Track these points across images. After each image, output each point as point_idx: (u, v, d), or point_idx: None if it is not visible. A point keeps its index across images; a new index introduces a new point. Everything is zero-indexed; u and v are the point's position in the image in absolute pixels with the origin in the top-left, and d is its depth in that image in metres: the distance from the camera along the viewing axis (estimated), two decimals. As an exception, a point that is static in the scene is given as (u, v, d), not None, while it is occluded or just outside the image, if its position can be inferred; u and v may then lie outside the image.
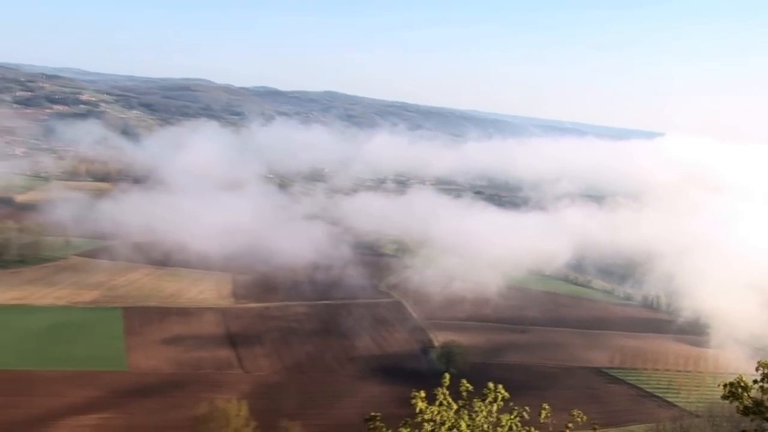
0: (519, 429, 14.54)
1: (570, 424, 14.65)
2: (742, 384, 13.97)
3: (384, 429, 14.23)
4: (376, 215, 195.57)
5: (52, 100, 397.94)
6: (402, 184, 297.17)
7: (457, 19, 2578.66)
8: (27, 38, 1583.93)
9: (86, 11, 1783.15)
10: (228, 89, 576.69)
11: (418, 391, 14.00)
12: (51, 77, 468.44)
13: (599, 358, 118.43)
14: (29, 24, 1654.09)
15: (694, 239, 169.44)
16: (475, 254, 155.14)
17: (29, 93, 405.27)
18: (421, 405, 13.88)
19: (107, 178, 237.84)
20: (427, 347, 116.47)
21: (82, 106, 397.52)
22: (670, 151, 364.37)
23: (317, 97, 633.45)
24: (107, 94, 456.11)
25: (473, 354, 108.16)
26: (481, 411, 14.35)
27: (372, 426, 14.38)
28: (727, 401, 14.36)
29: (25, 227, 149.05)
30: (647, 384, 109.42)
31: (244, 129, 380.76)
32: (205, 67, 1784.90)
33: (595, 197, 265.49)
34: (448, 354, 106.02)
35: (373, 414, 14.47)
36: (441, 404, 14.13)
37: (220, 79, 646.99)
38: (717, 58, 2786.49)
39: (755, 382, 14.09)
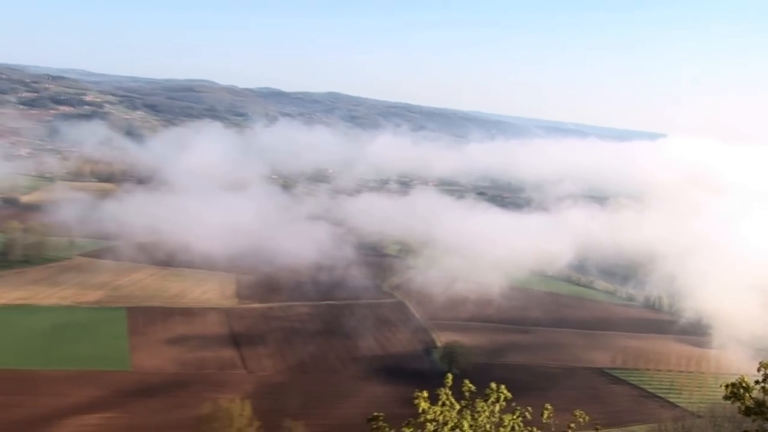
0: (521, 429, 14.58)
1: (572, 425, 14.71)
2: (744, 385, 13.99)
3: (387, 429, 14.23)
4: (379, 216, 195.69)
5: (57, 101, 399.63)
6: (405, 184, 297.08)
7: (459, 20, 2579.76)
8: (32, 39, 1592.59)
9: (91, 12, 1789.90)
10: (232, 90, 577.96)
11: (421, 391, 14.03)
12: (55, 78, 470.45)
13: (601, 358, 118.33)
14: (34, 25, 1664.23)
15: (696, 240, 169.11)
16: (478, 255, 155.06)
17: (34, 94, 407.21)
18: (423, 405, 13.91)
19: (111, 179, 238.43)
20: (429, 347, 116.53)
21: (86, 106, 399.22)
22: (672, 152, 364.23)
23: (320, 98, 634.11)
24: (111, 95, 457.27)
25: (476, 354, 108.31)
26: (484, 411, 14.39)
27: (375, 426, 14.39)
28: (728, 402, 14.36)
29: (29, 227, 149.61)
30: (649, 384, 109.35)
31: (247, 130, 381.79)
32: (208, 68, 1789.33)
33: (598, 198, 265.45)
34: (451, 354, 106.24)
35: (376, 414, 14.46)
36: (444, 404, 14.16)
37: (223, 80, 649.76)
38: (719, 60, 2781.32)
39: (757, 382, 14.07)
